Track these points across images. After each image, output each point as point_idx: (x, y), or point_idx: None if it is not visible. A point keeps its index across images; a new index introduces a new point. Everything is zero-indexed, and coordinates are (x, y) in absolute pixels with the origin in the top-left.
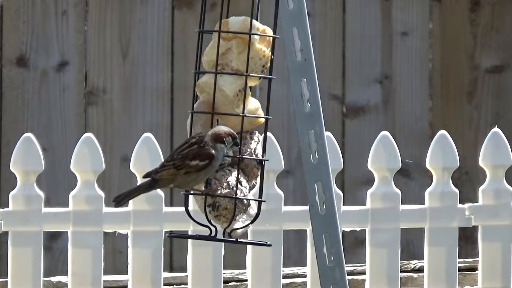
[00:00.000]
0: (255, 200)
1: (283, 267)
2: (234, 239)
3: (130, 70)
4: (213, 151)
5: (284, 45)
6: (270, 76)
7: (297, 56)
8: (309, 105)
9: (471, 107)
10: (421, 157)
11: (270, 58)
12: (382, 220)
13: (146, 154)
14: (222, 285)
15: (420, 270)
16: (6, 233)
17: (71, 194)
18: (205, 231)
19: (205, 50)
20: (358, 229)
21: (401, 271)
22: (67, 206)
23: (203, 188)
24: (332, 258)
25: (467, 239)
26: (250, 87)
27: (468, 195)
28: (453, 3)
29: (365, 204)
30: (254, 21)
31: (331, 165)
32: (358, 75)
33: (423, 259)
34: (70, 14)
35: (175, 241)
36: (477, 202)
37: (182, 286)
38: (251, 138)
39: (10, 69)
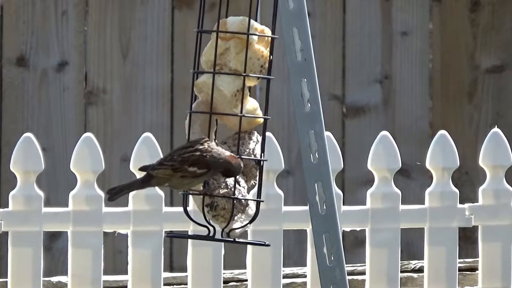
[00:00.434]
0: (253, 200)
1: (283, 267)
2: (233, 239)
3: (130, 70)
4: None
5: (284, 45)
6: (269, 77)
7: (297, 56)
8: (309, 105)
9: (471, 107)
10: (421, 157)
11: (268, 58)
12: (382, 220)
13: (146, 154)
14: (222, 285)
15: (420, 270)
16: (6, 233)
17: (71, 194)
18: (204, 231)
19: (204, 50)
20: (358, 229)
21: (401, 271)
22: (67, 206)
23: (201, 188)
24: (332, 258)
25: (467, 239)
26: (249, 87)
27: (468, 195)
28: (453, 3)
29: (365, 204)
30: (252, 21)
31: (331, 165)
32: (358, 75)
33: (423, 259)
34: (70, 14)
35: (175, 241)
36: (477, 202)
37: (182, 286)
38: (250, 138)
39: (10, 69)
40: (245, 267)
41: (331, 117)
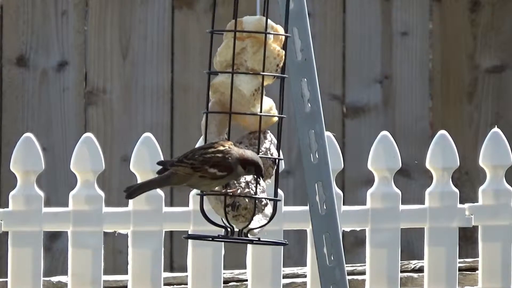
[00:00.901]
0: (272, 199)
1: (283, 267)
2: (254, 239)
3: (130, 70)
4: (234, 167)
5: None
6: (284, 75)
7: (297, 56)
8: (309, 105)
9: (471, 107)
10: (421, 157)
11: (283, 57)
12: (382, 220)
13: (146, 154)
14: (222, 285)
15: (420, 270)
16: (6, 233)
17: (71, 194)
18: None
19: (218, 50)
20: (358, 229)
21: (401, 271)
22: (67, 206)
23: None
24: (332, 258)
25: (467, 239)
26: (264, 87)
27: (468, 195)
28: (453, 3)
29: (365, 204)
30: (268, 20)
31: (331, 165)
32: (358, 75)
33: (423, 259)
34: (70, 14)
35: (175, 241)
36: (477, 202)
37: (182, 286)
38: (265, 138)
39: (10, 69)
40: (245, 267)
41: (331, 117)
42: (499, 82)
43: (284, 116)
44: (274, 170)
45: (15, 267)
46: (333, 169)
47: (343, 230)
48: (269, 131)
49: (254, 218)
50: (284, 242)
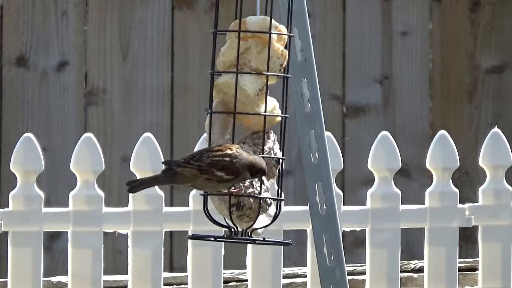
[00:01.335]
0: (276, 199)
1: (283, 267)
2: (259, 239)
3: (130, 70)
4: (241, 171)
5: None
6: (288, 75)
7: (297, 56)
8: (309, 105)
9: (471, 107)
10: (421, 157)
11: (287, 57)
12: (382, 220)
13: (146, 154)
14: (222, 285)
15: (420, 270)
16: (6, 233)
17: (71, 194)
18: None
19: (221, 50)
20: (358, 229)
21: (401, 271)
22: (67, 206)
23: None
24: (332, 258)
25: (467, 239)
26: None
27: (468, 195)
28: (453, 3)
29: (365, 204)
30: (272, 20)
31: (331, 165)
32: (358, 75)
33: (423, 259)
34: (70, 14)
35: (175, 241)
36: (477, 202)
37: (182, 286)
38: (268, 138)
39: (10, 69)
40: (245, 267)
41: (331, 117)
42: (499, 82)
43: (288, 116)
44: (277, 170)
45: (15, 267)
46: (333, 169)
47: (343, 230)
48: (272, 131)
49: (258, 218)
50: (288, 242)
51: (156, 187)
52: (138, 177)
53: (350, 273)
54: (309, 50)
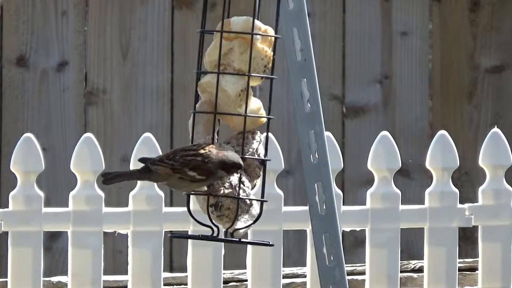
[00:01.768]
0: (258, 200)
1: (283, 267)
2: (237, 239)
3: (130, 70)
4: (213, 171)
5: (284, 45)
6: (272, 76)
7: (297, 56)
8: (309, 105)
9: (471, 107)
10: (421, 157)
11: (272, 58)
12: (382, 220)
13: (146, 154)
14: (222, 285)
15: (420, 270)
16: (6, 233)
17: (71, 194)
18: (206, 231)
19: (207, 50)
20: (358, 229)
21: (401, 271)
22: (67, 206)
23: (206, 188)
24: (332, 258)
25: (467, 239)
26: (252, 87)
27: (468, 195)
28: (453, 3)
29: (365, 204)
30: (256, 21)
31: (331, 165)
32: (358, 75)
33: (423, 259)
34: (70, 14)
35: (175, 241)
36: (477, 202)
37: (182, 286)
38: (253, 138)
39: (10, 69)
40: (245, 267)
41: (331, 117)
42: (499, 82)
43: (272, 117)
44: (261, 171)
45: (15, 267)
46: (333, 169)
47: (343, 230)
48: (258, 132)
49: (241, 218)
50: (268, 242)
51: (156, 187)
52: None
53: (350, 273)
54: (309, 50)
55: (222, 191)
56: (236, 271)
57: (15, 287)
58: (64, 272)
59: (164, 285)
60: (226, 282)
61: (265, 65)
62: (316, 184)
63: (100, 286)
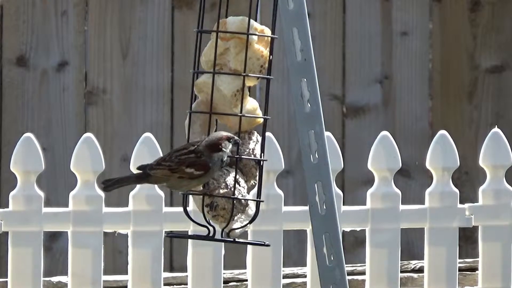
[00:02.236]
0: (253, 200)
1: (283, 267)
2: (233, 239)
3: (130, 70)
4: (210, 163)
5: (284, 45)
6: (268, 76)
7: (297, 56)
8: (309, 105)
9: (471, 107)
10: (421, 157)
11: (268, 58)
12: (382, 220)
13: (146, 154)
14: (222, 285)
15: (420, 270)
16: (6, 233)
17: (71, 194)
18: (204, 231)
19: (204, 50)
20: (358, 229)
21: (401, 271)
22: (67, 206)
23: (201, 188)
24: (332, 258)
25: (467, 239)
26: (249, 87)
27: (468, 195)
28: (453, 3)
29: (365, 204)
30: (252, 21)
31: (331, 165)
32: (358, 75)
33: (423, 259)
34: (70, 14)
35: (175, 241)
36: (477, 202)
37: (182, 286)
38: (250, 138)
39: (10, 69)
40: (245, 267)
41: (331, 117)
42: (499, 82)
43: (268, 117)
44: (257, 171)
45: (15, 267)
46: (333, 169)
47: (343, 230)
48: (255, 132)
49: (237, 218)
50: (263, 242)
51: (156, 187)
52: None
53: (350, 273)
54: (309, 50)
55: (217, 191)
56: (236, 271)
57: (15, 287)
58: (64, 272)
59: (164, 285)
60: (226, 282)
61: (261, 65)
62: (316, 184)
63: (100, 286)
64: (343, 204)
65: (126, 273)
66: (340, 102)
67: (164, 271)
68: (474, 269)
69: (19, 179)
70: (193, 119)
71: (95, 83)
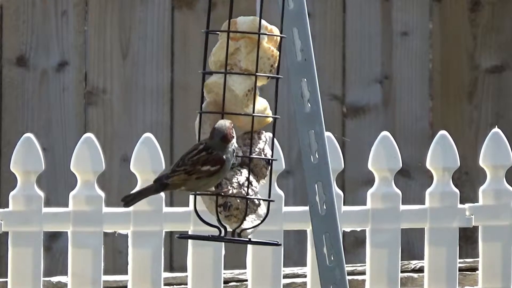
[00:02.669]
0: (266, 200)
1: (283, 267)
2: (246, 239)
3: (130, 70)
4: (223, 156)
5: (285, 45)
6: (278, 76)
7: (297, 56)
8: (309, 105)
9: (471, 107)
10: (421, 157)
11: (277, 57)
12: (382, 220)
13: (146, 154)
14: (222, 285)
15: (420, 270)
16: (6, 233)
17: (71, 194)
18: (207, 232)
19: (212, 50)
20: (358, 229)
21: (401, 271)
22: (67, 206)
23: (213, 189)
24: (332, 258)
25: (467, 239)
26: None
27: (468, 195)
28: (453, 3)
29: (365, 204)
30: (262, 20)
31: (331, 165)
32: (358, 75)
33: (423, 259)
34: (70, 14)
35: (175, 241)
36: (477, 202)
37: (182, 286)
38: (259, 138)
39: (10, 69)
40: (245, 267)
41: (331, 117)
42: (499, 82)
43: (278, 117)
44: (268, 171)
45: (15, 267)
46: (333, 169)
47: (343, 230)
48: (264, 131)
49: (247, 218)
50: (276, 242)
51: None
52: (138, 177)
53: (350, 273)
54: (309, 50)
55: (230, 191)
56: (236, 271)
57: (15, 287)
58: (64, 272)
59: (164, 285)
60: (226, 282)
61: (271, 65)
62: (316, 184)
63: (100, 286)
64: (344, 204)
65: (126, 273)
66: (340, 102)
67: (164, 271)
68: (474, 269)
69: (19, 179)
70: (203, 119)
71: (95, 83)
